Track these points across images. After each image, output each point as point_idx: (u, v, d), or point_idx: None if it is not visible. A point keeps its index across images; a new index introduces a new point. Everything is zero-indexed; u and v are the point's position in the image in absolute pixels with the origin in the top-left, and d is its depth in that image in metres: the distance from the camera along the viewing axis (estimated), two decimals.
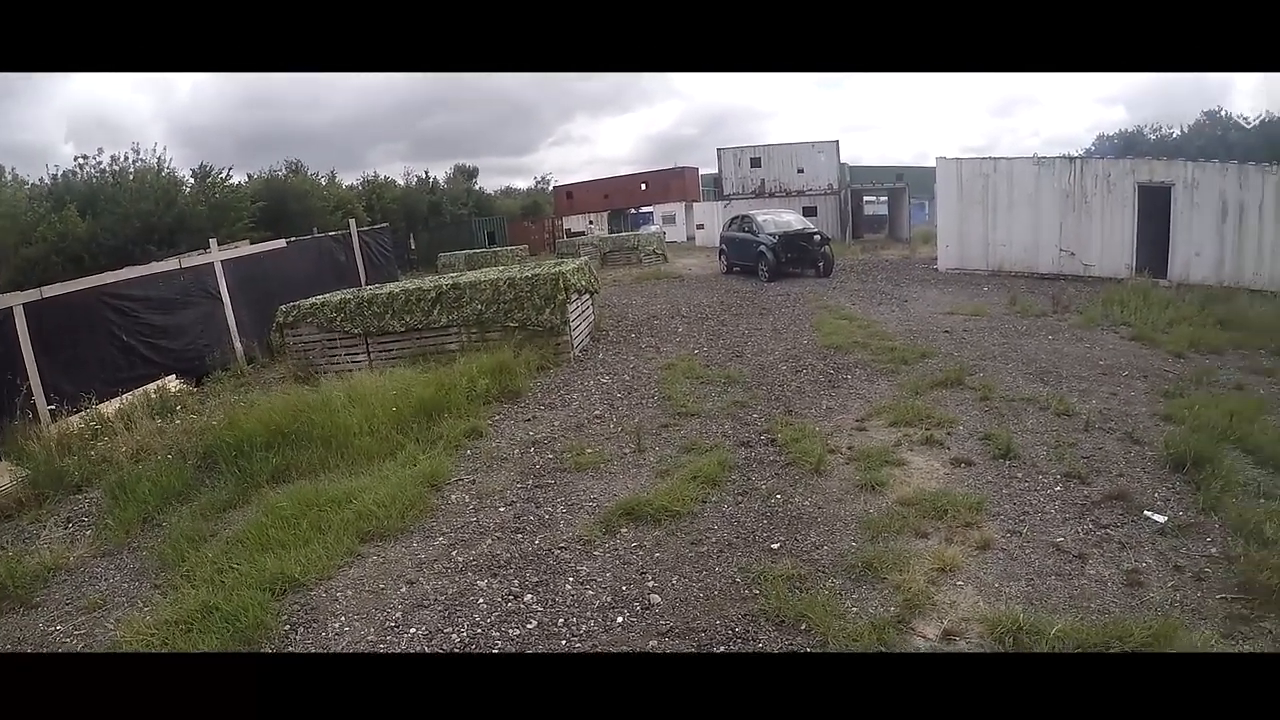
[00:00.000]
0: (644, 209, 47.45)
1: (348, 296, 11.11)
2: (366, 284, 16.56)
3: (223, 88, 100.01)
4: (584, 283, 11.64)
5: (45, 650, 4.49)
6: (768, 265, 18.78)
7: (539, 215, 49.64)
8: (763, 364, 9.77)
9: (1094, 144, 41.50)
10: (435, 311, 10.52)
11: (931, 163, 19.20)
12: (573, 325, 10.90)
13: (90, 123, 62.12)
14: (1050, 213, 17.70)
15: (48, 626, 4.81)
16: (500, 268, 14.17)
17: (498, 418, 8.14)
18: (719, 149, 35.75)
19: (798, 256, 19.14)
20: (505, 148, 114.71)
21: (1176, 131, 37.74)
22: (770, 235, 19.05)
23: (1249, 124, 34.09)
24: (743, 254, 20.33)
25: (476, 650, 3.99)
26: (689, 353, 10.72)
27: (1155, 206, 16.11)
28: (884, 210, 34.67)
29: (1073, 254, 17.43)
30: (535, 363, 9.93)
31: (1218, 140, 32.06)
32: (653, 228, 38.06)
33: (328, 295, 11.79)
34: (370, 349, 10.71)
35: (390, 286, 12.12)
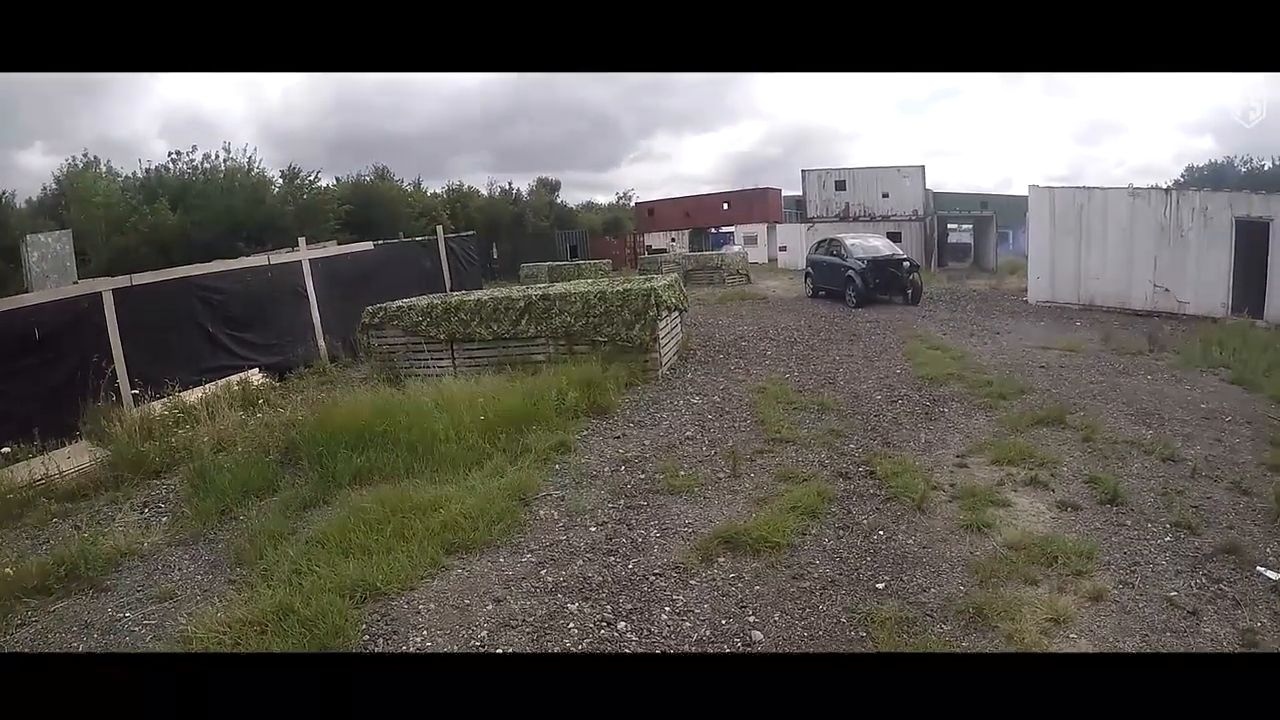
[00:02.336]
0: (725, 229, 47.18)
1: (435, 301, 11.01)
2: (451, 290, 16.59)
3: (312, 93, 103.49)
4: (674, 300, 11.28)
5: (106, 639, 4.33)
6: (855, 290, 18.28)
7: (621, 231, 49.87)
8: (856, 392, 9.36)
9: (1183, 174, 39.84)
10: (523, 321, 10.29)
11: (1014, 190, 18.62)
12: (662, 343, 10.56)
13: (183, 120, 65.69)
14: (1144, 246, 16.81)
15: (117, 612, 4.68)
16: (588, 281, 13.93)
17: (586, 433, 7.83)
18: (804, 170, 35.36)
19: (886, 283, 18.53)
20: (587, 162, 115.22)
21: (1268, 163, 35.73)
22: (859, 260, 18.56)
23: None
24: (830, 278, 19.89)
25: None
26: (780, 377, 10.30)
27: (1252, 242, 15.19)
28: (968, 239, 33.55)
29: (1167, 290, 16.47)
30: (624, 379, 9.59)
31: None
32: (734, 248, 37.68)
33: (414, 299, 11.73)
34: (455, 355, 10.55)
35: (477, 294, 12.02)
